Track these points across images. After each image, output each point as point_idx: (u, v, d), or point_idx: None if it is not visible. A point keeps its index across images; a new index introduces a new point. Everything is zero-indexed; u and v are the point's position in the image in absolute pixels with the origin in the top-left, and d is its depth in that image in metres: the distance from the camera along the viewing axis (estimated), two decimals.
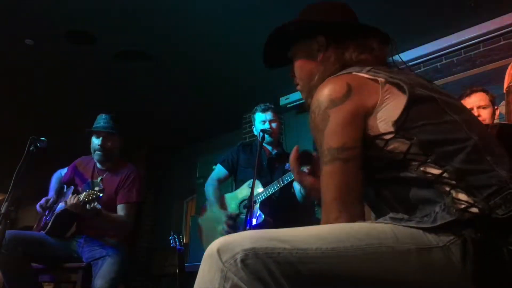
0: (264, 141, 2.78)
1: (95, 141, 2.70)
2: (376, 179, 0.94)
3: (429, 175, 0.85)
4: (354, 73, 0.99)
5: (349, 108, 0.92)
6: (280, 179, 2.60)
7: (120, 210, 2.60)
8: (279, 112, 2.96)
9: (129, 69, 4.03)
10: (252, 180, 2.74)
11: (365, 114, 0.92)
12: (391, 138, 0.89)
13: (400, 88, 0.93)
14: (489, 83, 3.06)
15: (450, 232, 0.79)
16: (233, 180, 3.03)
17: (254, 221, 2.59)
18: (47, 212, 2.68)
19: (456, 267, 0.77)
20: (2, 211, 1.98)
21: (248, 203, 2.49)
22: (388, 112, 0.91)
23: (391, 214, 0.88)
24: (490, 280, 0.78)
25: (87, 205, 2.29)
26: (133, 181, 2.68)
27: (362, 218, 0.90)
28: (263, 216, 2.59)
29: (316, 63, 1.12)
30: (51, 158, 3.91)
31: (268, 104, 2.93)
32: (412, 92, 0.92)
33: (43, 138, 2.29)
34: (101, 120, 2.75)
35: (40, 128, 4.92)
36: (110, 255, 2.48)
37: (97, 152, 2.69)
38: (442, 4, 3.07)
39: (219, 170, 2.96)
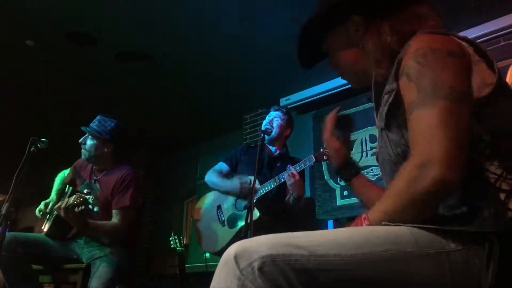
0: (265, 141, 2.81)
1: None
2: None
3: (490, 174, 0.82)
4: (453, 36, 0.93)
5: (465, 65, 0.86)
6: (277, 177, 2.62)
7: (114, 215, 2.58)
8: (289, 115, 2.99)
9: (130, 70, 4.03)
10: (249, 177, 2.78)
11: (471, 79, 0.86)
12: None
13: (489, 65, 0.88)
14: None
15: (471, 235, 0.77)
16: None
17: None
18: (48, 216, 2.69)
19: (475, 271, 0.76)
20: (3, 212, 1.99)
21: (249, 203, 2.50)
22: (475, 87, 0.86)
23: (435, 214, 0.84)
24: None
25: (76, 208, 2.23)
26: (128, 184, 2.63)
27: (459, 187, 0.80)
28: (258, 214, 2.59)
29: (360, 45, 1.05)
30: (51, 159, 3.92)
31: (282, 107, 3.03)
32: (500, 78, 0.87)
33: (43, 139, 2.29)
34: (95, 121, 2.76)
35: (41, 129, 4.92)
36: (108, 256, 2.48)
37: (82, 150, 2.71)
38: (442, 5, 3.07)
39: (221, 165, 3.00)
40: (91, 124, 2.73)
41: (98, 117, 2.77)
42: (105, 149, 2.70)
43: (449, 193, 0.81)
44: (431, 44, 0.88)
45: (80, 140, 2.70)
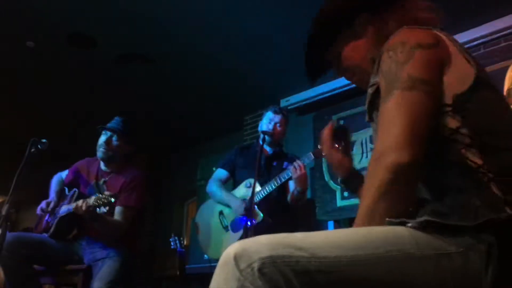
0: (264, 142, 2.81)
1: (102, 138, 2.72)
2: None
3: (471, 162, 0.82)
4: (434, 30, 0.96)
5: (435, 55, 0.89)
6: (277, 177, 2.62)
7: (117, 212, 2.57)
8: (288, 119, 2.99)
9: (130, 71, 4.03)
10: (249, 179, 2.77)
11: (443, 71, 0.88)
12: (447, 111, 0.86)
13: (468, 63, 0.90)
14: None
15: (471, 235, 0.76)
16: (232, 182, 3.05)
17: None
18: (48, 215, 2.68)
19: (475, 273, 0.75)
20: (3, 213, 1.99)
21: (249, 205, 2.50)
22: (453, 82, 0.87)
23: (431, 206, 0.84)
24: None
25: (97, 209, 2.29)
26: (136, 186, 2.65)
27: (422, 169, 0.82)
28: (262, 216, 2.60)
29: (368, 40, 1.08)
30: (52, 160, 3.92)
31: (284, 109, 3.01)
32: (480, 73, 0.89)
33: (44, 140, 2.29)
34: (114, 122, 2.77)
35: (41, 130, 4.92)
36: (110, 257, 2.48)
37: (101, 149, 2.69)
38: (443, 6, 3.07)
39: (219, 172, 2.99)
40: (116, 125, 2.73)
41: (121, 118, 2.78)
42: (125, 151, 2.76)
43: (408, 174, 0.82)
44: (403, 37, 0.92)
45: (104, 140, 2.68)
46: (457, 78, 0.88)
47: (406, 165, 0.80)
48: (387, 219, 0.81)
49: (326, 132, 1.28)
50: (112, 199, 2.26)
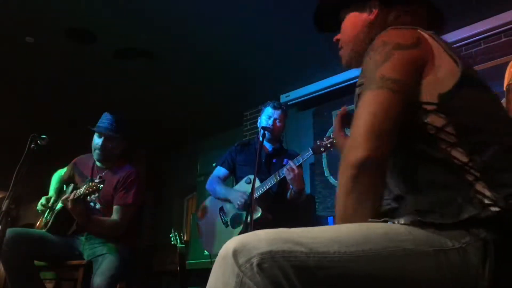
0: (264, 138, 2.80)
1: (97, 140, 2.69)
2: (398, 149, 0.90)
3: (456, 160, 0.83)
4: (419, 30, 0.97)
5: (413, 55, 0.91)
6: (276, 173, 2.61)
7: (115, 212, 2.59)
8: (287, 113, 2.97)
9: (130, 67, 4.02)
10: (249, 176, 2.77)
11: (423, 70, 0.90)
12: (432, 110, 0.87)
13: (454, 61, 0.91)
14: (489, 81, 3.06)
15: (467, 232, 0.77)
16: (233, 179, 3.05)
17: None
18: (47, 211, 2.69)
19: (473, 269, 0.76)
20: (3, 209, 1.99)
21: (249, 201, 2.50)
22: (438, 81, 0.88)
23: (415, 206, 0.84)
24: (508, 284, 0.77)
25: (88, 197, 2.30)
26: (131, 183, 2.66)
27: (386, 164, 0.86)
28: (261, 212, 2.59)
29: (368, 23, 1.11)
30: (51, 156, 3.92)
31: (282, 104, 2.98)
32: (465, 71, 0.89)
33: (43, 136, 2.29)
34: (106, 121, 2.72)
35: (41, 126, 4.92)
36: (110, 252, 2.48)
37: (96, 151, 2.69)
38: (443, 2, 3.06)
39: (219, 170, 2.99)
40: (108, 126, 2.68)
41: (112, 116, 2.73)
42: (120, 148, 2.75)
43: (369, 168, 0.84)
44: (386, 38, 0.95)
45: (99, 144, 2.65)
46: (442, 77, 0.89)
47: (366, 160, 0.83)
48: (369, 219, 0.82)
49: (338, 116, 1.31)
50: (100, 186, 2.28)
